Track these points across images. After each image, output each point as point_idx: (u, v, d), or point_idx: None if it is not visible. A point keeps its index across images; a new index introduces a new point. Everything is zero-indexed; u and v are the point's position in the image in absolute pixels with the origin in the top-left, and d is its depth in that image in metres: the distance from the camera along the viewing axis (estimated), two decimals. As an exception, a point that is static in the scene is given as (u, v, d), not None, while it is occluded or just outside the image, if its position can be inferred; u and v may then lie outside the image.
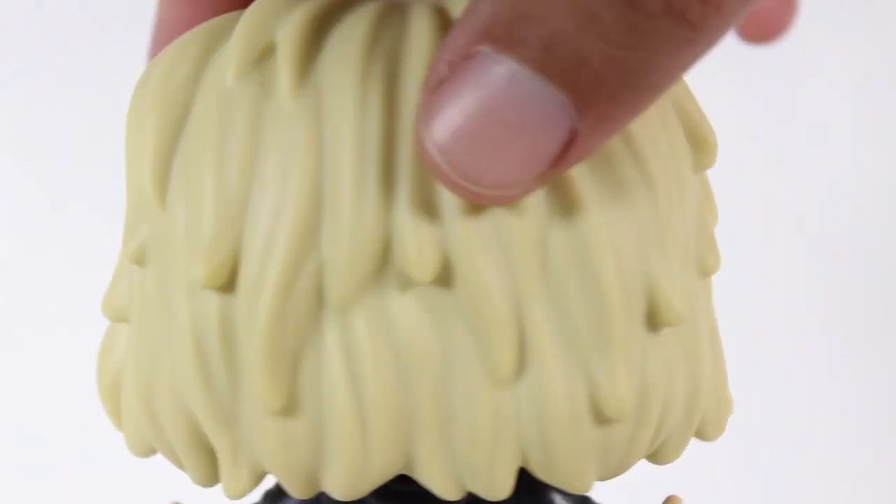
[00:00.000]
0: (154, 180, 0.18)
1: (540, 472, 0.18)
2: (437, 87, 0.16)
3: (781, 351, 0.52)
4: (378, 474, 0.18)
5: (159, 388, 0.19)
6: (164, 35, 0.24)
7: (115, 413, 0.21)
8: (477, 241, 0.17)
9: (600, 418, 0.18)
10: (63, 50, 0.50)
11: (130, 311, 0.20)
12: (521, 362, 0.18)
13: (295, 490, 0.19)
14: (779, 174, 0.53)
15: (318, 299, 0.17)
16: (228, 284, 0.18)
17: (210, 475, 0.20)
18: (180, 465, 0.20)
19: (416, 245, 0.17)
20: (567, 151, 0.16)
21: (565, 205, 0.18)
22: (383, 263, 0.17)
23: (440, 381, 0.18)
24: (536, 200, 0.17)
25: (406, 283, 0.17)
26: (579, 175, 0.18)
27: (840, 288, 0.54)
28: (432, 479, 0.18)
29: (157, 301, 0.19)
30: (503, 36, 0.15)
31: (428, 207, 0.17)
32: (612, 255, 0.18)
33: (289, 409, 0.18)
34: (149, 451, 0.21)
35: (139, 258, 0.19)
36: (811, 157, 0.53)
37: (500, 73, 0.15)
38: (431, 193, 0.17)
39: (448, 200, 0.17)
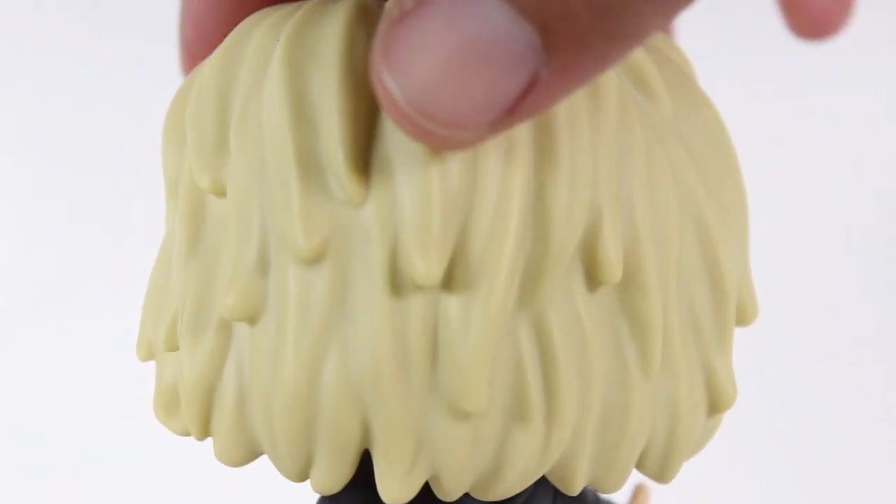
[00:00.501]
0: (351, 175, 0.17)
1: (648, 467, 0.20)
2: (399, 19, 0.15)
3: (783, 350, 0.53)
4: (541, 473, 0.19)
5: (323, 392, 0.18)
6: (194, 31, 0.24)
7: (202, 421, 0.19)
8: (648, 246, 0.18)
9: (713, 410, 0.20)
10: (87, 50, 0.50)
11: (266, 311, 0.18)
12: (664, 359, 0.19)
13: (456, 491, 0.19)
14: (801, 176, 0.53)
15: (516, 295, 0.17)
16: (447, 280, 0.17)
17: (340, 482, 0.19)
18: (300, 476, 0.19)
19: (614, 247, 0.17)
20: (525, 98, 0.15)
21: (693, 215, 0.18)
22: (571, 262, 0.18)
23: (606, 378, 0.18)
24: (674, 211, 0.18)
25: (593, 283, 0.18)
26: (700, 188, 0.18)
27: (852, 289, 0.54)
28: (575, 477, 0.19)
29: (328, 300, 0.18)
30: None
31: (619, 204, 0.18)
32: (727, 257, 0.19)
33: (484, 409, 0.18)
34: (246, 459, 0.20)
35: (319, 255, 0.17)
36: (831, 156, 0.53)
37: (468, 4, 0.14)
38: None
39: (628, 200, 0.18)
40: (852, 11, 0.17)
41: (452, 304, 0.17)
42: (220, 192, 0.18)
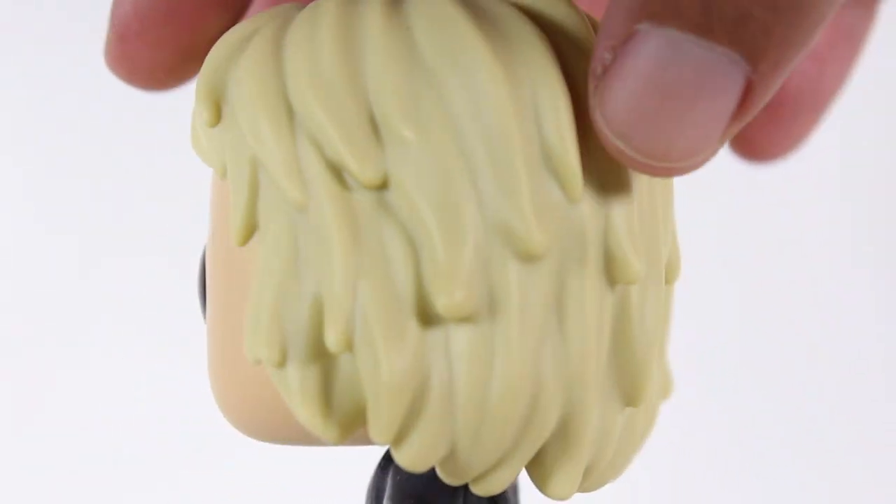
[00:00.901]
0: (578, 172, 0.17)
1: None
2: (603, 73, 0.16)
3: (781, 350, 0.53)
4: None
5: (542, 390, 0.18)
6: None
7: (400, 422, 0.18)
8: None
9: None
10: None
11: (484, 308, 0.17)
12: None
13: (598, 484, 0.20)
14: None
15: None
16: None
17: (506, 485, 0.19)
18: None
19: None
20: (745, 103, 0.16)
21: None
22: None
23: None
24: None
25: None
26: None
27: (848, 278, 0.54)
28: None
29: (547, 297, 0.18)
30: (660, 10, 0.15)
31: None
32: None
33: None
34: (436, 461, 0.18)
35: (547, 252, 0.17)
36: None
37: (665, 45, 0.15)
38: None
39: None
40: (798, 141, 0.19)
41: (634, 294, 0.19)
42: (383, 185, 0.17)
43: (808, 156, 0.26)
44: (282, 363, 0.17)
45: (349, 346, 0.17)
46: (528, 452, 0.18)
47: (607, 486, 0.20)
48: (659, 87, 0.16)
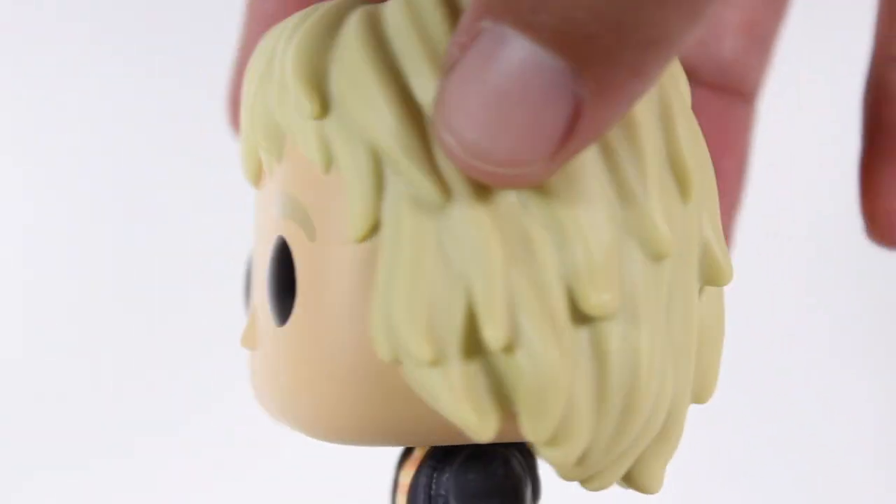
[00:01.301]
0: (694, 177, 0.18)
1: None
2: (449, 69, 0.16)
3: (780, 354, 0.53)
4: None
5: (665, 385, 0.18)
6: (256, 28, 0.24)
7: (560, 419, 0.18)
8: None
9: None
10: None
11: (627, 307, 0.18)
12: None
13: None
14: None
15: None
16: None
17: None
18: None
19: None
20: (576, 125, 0.15)
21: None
22: None
23: None
24: None
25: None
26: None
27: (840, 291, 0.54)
28: None
29: (670, 296, 0.18)
30: (499, 6, 0.15)
31: None
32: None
33: None
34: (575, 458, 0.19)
35: (671, 251, 0.18)
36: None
37: (498, 44, 0.15)
38: None
39: None
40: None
41: (714, 295, 0.20)
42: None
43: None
44: (437, 362, 0.17)
45: (509, 344, 0.17)
46: (643, 447, 0.19)
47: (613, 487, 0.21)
48: (490, 86, 0.15)
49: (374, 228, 0.18)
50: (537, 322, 0.17)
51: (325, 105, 0.18)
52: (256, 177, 0.21)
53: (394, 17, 0.18)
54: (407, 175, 0.17)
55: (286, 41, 0.19)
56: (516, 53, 0.15)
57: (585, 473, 0.18)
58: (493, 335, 0.17)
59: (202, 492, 0.47)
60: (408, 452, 0.21)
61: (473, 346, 0.17)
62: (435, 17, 0.17)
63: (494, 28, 0.15)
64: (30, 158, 0.50)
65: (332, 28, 0.18)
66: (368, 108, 0.17)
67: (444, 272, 0.17)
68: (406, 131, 0.17)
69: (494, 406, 0.17)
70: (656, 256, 0.18)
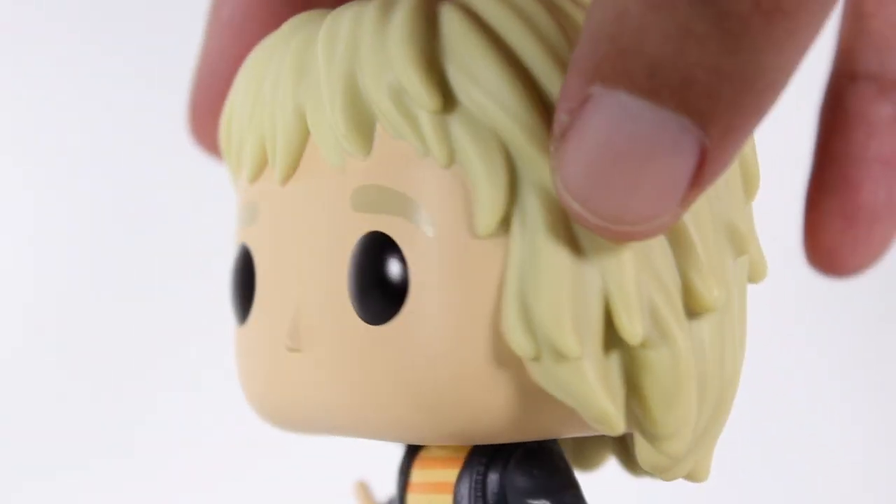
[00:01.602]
0: (757, 171, 0.20)
1: None
2: (561, 136, 0.16)
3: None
4: None
5: (735, 378, 0.19)
6: (221, 34, 0.24)
7: (694, 411, 0.19)
8: None
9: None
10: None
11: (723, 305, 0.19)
12: None
13: None
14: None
15: None
16: None
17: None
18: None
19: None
20: (701, 170, 0.16)
21: None
22: None
23: None
24: None
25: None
26: None
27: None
28: None
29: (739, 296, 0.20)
30: (610, 73, 0.15)
31: None
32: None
33: None
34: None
35: (748, 248, 0.19)
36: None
37: (616, 109, 0.15)
38: None
39: None
40: (871, 261, 0.18)
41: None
42: None
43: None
44: (580, 356, 0.17)
45: (646, 339, 0.17)
46: (717, 437, 0.19)
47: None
48: (612, 150, 0.15)
49: (504, 222, 0.18)
50: (671, 317, 0.17)
51: (447, 99, 0.18)
52: (257, 173, 0.20)
53: (494, 11, 0.18)
54: (542, 168, 0.17)
55: (350, 38, 0.19)
56: (638, 116, 0.15)
57: (676, 462, 0.19)
58: (631, 330, 0.17)
59: (202, 492, 0.47)
60: (413, 451, 0.21)
61: (609, 339, 0.17)
62: (536, 9, 0.18)
63: (607, 93, 0.15)
64: (29, 158, 0.50)
65: (428, 22, 0.18)
66: (499, 103, 0.17)
67: (581, 266, 0.17)
68: (538, 125, 0.17)
69: (622, 400, 0.18)
70: (741, 253, 0.19)
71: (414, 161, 0.18)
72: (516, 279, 0.17)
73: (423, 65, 0.18)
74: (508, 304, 0.17)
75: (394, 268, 0.18)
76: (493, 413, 0.18)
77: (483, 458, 0.20)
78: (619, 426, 0.18)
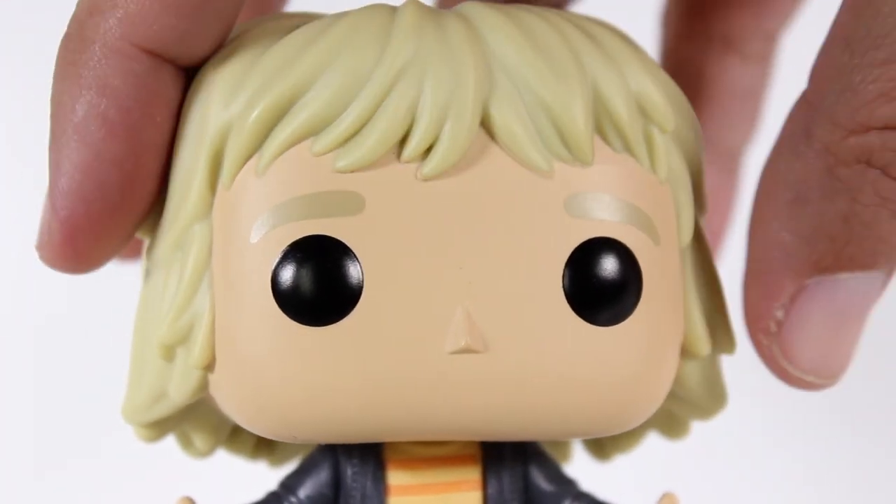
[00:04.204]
0: None
1: None
2: (778, 329, 0.20)
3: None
4: None
5: None
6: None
7: None
8: None
9: None
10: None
11: None
12: None
13: None
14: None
15: None
16: None
17: None
18: None
19: None
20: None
21: None
22: None
23: None
24: None
25: None
26: None
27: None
28: None
29: None
30: (831, 262, 0.19)
31: None
32: None
33: None
34: None
35: None
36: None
37: (837, 289, 0.19)
38: None
39: None
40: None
41: None
42: None
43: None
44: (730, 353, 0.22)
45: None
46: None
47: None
48: (836, 324, 0.19)
49: (695, 234, 0.20)
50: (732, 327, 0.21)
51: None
52: (367, 162, 0.19)
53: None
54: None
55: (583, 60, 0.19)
56: (858, 287, 0.19)
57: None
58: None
59: (202, 492, 0.47)
60: (377, 457, 0.20)
61: None
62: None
63: (824, 279, 0.19)
64: (28, 158, 0.50)
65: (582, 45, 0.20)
66: (695, 130, 0.21)
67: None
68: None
69: None
70: None
71: (639, 174, 0.19)
72: (697, 283, 0.21)
73: (658, 83, 0.20)
74: (691, 303, 0.20)
75: (629, 274, 0.19)
76: (654, 406, 0.20)
77: (502, 451, 0.20)
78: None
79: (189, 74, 0.20)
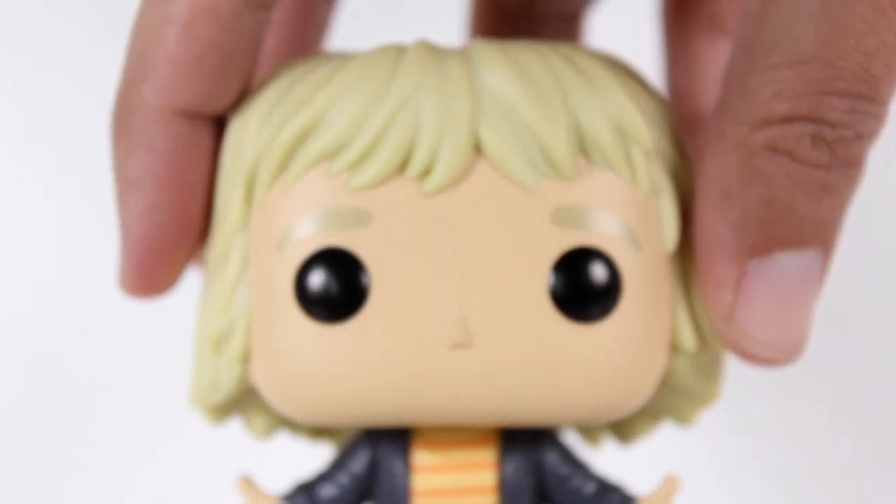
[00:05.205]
0: None
1: None
2: (731, 313, 0.21)
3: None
4: None
5: None
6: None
7: None
8: None
9: None
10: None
11: None
12: None
13: None
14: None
15: None
16: None
17: None
18: None
19: None
20: (822, 282, 0.21)
21: None
22: None
23: None
24: None
25: None
26: None
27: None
28: None
29: None
30: (762, 245, 0.20)
31: None
32: None
33: None
34: None
35: None
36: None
37: (774, 268, 0.21)
38: None
39: None
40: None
41: None
42: None
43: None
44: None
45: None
46: None
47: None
48: (782, 300, 0.21)
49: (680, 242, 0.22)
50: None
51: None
52: (375, 183, 0.21)
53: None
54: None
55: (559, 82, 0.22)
56: (793, 265, 0.21)
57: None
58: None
59: (202, 492, 0.47)
60: (406, 436, 0.22)
61: None
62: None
63: (763, 261, 0.21)
64: (29, 157, 0.50)
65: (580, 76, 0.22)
66: (679, 154, 0.23)
67: None
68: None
69: None
70: None
71: (622, 188, 0.22)
72: (683, 285, 0.22)
73: (638, 107, 0.22)
74: (678, 305, 0.22)
75: (609, 276, 0.21)
76: (643, 398, 0.22)
77: (516, 435, 0.23)
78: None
79: (221, 119, 0.24)
